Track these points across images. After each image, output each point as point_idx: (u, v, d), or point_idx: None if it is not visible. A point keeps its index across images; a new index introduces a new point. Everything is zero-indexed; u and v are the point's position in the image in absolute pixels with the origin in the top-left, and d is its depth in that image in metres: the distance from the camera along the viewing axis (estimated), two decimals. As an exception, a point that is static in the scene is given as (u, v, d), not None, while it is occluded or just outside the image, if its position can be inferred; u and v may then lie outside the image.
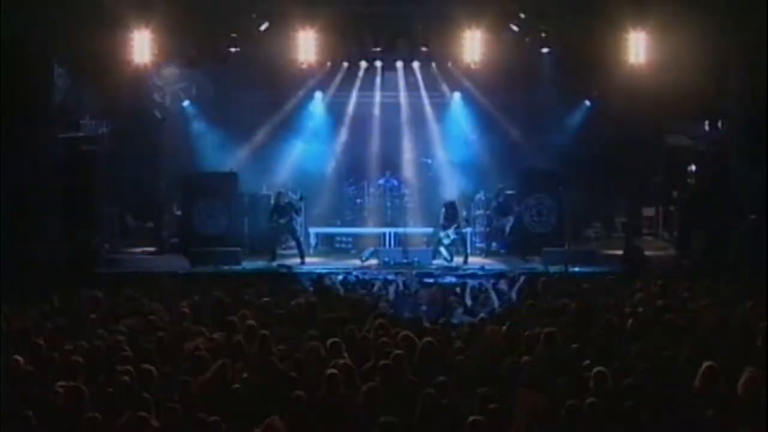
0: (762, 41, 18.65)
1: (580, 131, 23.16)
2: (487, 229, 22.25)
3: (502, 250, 21.86)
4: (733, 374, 9.36)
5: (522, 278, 16.97)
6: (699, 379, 9.28)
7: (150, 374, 9.74)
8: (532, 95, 22.82)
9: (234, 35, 20.40)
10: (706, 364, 9.43)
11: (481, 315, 13.55)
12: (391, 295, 15.95)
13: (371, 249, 21.17)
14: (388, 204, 22.75)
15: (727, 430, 8.28)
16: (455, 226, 20.81)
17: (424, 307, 15.05)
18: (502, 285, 16.69)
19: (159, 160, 23.32)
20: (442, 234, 20.98)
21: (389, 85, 23.59)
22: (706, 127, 21.84)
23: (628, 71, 21.54)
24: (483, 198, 22.62)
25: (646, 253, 20.33)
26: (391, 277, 18.21)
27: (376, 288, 16.55)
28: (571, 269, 18.85)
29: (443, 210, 21.07)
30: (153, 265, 20.30)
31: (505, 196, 21.63)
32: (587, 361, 10.48)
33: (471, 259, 21.16)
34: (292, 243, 21.33)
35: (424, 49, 21.23)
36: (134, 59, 20.12)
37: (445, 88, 23.51)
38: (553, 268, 19.17)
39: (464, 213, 23.17)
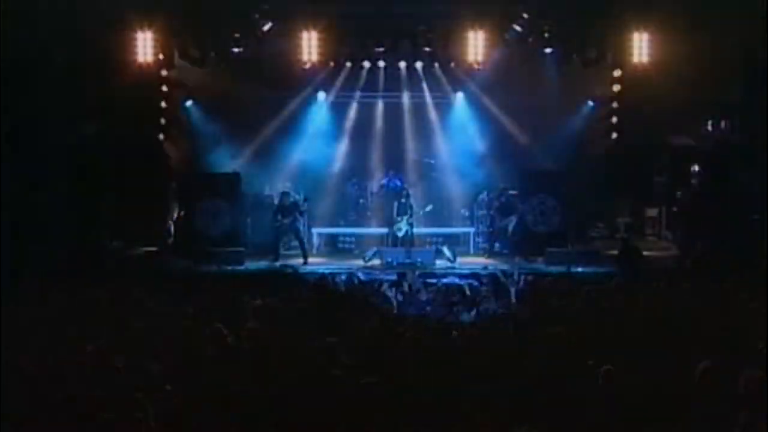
0: (762, 41, 18.68)
1: (583, 131, 23.16)
2: (490, 229, 22.24)
3: (505, 251, 21.84)
4: (734, 374, 9.37)
5: (525, 278, 16.97)
6: (699, 378, 9.29)
7: (153, 374, 9.75)
8: (534, 95, 22.81)
9: (237, 35, 20.43)
10: (705, 363, 9.44)
11: (484, 316, 13.55)
12: (394, 296, 15.94)
13: (374, 249, 21.18)
14: (391, 204, 22.76)
15: (728, 430, 8.28)
16: (407, 216, 21.12)
17: (427, 308, 15.05)
18: (505, 285, 16.68)
19: (162, 160, 23.34)
20: (395, 227, 21.20)
21: (392, 85, 23.59)
22: (709, 128, 21.84)
23: (632, 71, 21.62)
24: (486, 198, 22.63)
25: (645, 253, 20.29)
26: (394, 277, 18.22)
27: (379, 288, 16.55)
28: (573, 270, 18.84)
29: (395, 201, 21.42)
30: (156, 265, 20.31)
31: (508, 196, 21.63)
32: (590, 362, 10.50)
33: (474, 259, 21.24)
34: (295, 243, 21.34)
35: (426, 49, 21.26)
36: (137, 59, 20.18)
37: (448, 88, 23.51)
38: (555, 269, 19.16)
39: (467, 213, 23.23)
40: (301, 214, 21.17)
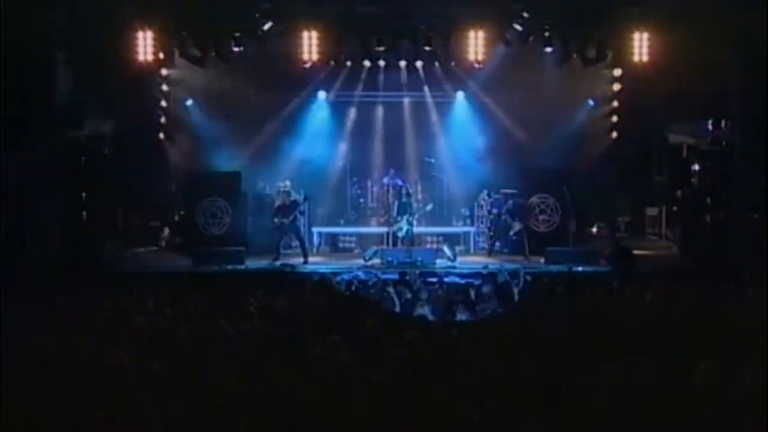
0: (762, 41, 18.68)
1: (583, 130, 23.17)
2: (492, 228, 22.23)
3: (505, 250, 21.85)
4: (734, 374, 9.37)
5: (525, 278, 16.97)
6: (700, 378, 9.29)
7: (153, 374, 9.75)
8: (535, 94, 22.82)
9: (237, 34, 20.43)
10: (706, 363, 9.44)
11: (484, 315, 13.55)
12: (394, 295, 15.95)
13: (374, 248, 21.19)
14: (392, 203, 22.77)
15: (728, 429, 8.29)
16: (408, 215, 21.12)
17: (427, 307, 15.06)
18: (505, 285, 16.68)
19: (163, 159, 23.36)
20: (395, 227, 21.20)
21: (392, 85, 23.62)
22: (710, 127, 21.84)
23: (632, 71, 21.64)
24: (494, 197, 22.60)
25: (645, 252, 20.26)
26: (394, 276, 18.21)
27: (379, 287, 16.55)
28: (574, 269, 18.83)
29: (396, 201, 21.42)
30: (157, 264, 20.34)
31: (523, 201, 21.52)
32: (590, 361, 10.50)
33: (474, 259, 21.26)
34: (296, 243, 21.35)
35: (427, 48, 21.24)
36: (138, 58, 20.18)
37: (448, 87, 23.56)
38: (556, 268, 19.16)
39: (468, 212, 23.22)
40: (302, 213, 21.18)
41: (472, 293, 15.99)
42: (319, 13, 19.99)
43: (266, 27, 20.28)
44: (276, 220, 20.83)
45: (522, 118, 23.09)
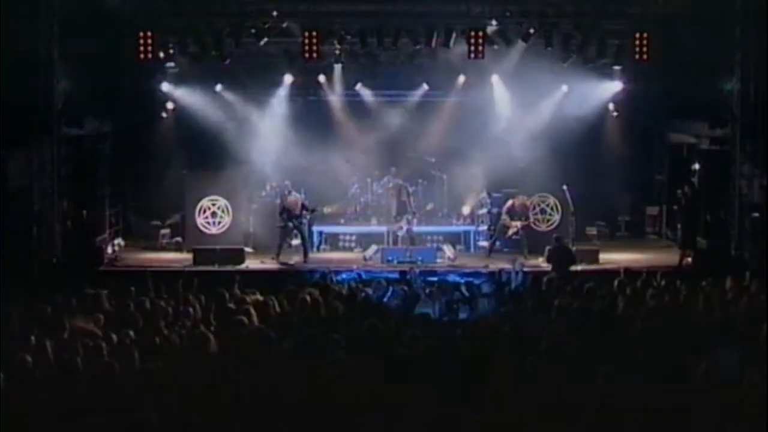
0: (762, 41, 18.69)
1: (583, 130, 23.16)
2: (492, 227, 22.23)
3: (505, 249, 21.85)
4: (735, 374, 9.37)
5: (525, 277, 16.98)
6: (699, 379, 9.30)
7: (153, 373, 9.76)
8: (535, 94, 22.84)
9: (237, 34, 20.45)
10: (705, 364, 9.44)
11: (484, 314, 13.56)
12: (395, 294, 15.95)
13: (375, 247, 21.20)
14: (392, 202, 22.78)
15: (727, 428, 8.29)
16: (408, 215, 21.12)
17: (427, 306, 15.06)
18: (505, 284, 16.70)
19: (163, 158, 23.37)
20: (395, 227, 21.21)
21: (393, 84, 23.63)
22: (710, 126, 21.87)
23: (632, 70, 21.65)
24: (486, 197, 22.61)
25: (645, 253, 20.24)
26: (395, 275, 18.22)
27: (379, 286, 16.55)
28: (574, 268, 18.82)
29: (395, 200, 21.43)
30: (157, 263, 20.34)
31: (522, 200, 21.51)
32: (589, 360, 10.50)
33: (474, 258, 21.27)
34: (296, 242, 21.34)
35: (427, 47, 21.25)
36: (139, 56, 20.19)
37: (448, 86, 23.56)
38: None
39: (468, 211, 23.23)
40: (305, 213, 21.12)
41: (472, 292, 15.99)
42: (318, 12, 20.00)
43: (266, 26, 20.30)
44: (281, 219, 20.81)
45: (522, 117, 23.11)
